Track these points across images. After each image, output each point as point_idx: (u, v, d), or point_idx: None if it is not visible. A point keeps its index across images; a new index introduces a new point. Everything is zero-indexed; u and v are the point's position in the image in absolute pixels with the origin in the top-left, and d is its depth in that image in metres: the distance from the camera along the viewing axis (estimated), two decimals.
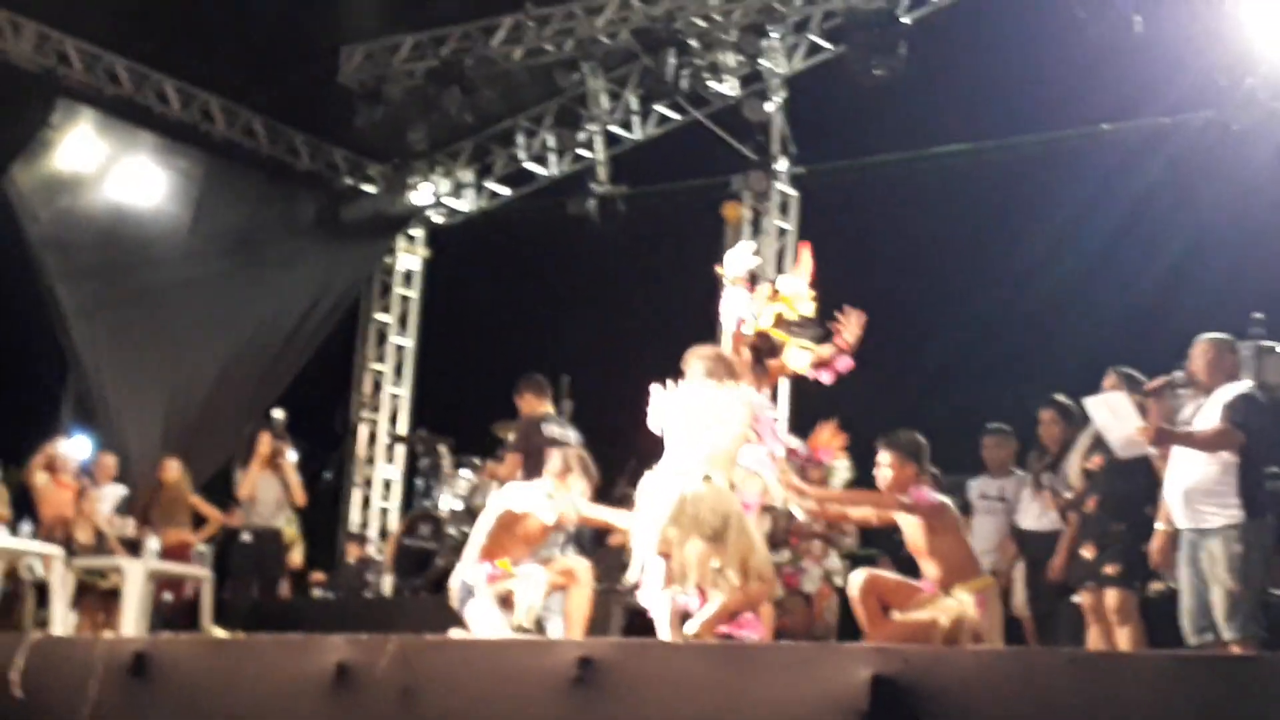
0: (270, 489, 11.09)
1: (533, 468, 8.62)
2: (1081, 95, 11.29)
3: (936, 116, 11.95)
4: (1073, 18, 10.49)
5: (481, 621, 6.98)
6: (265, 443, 11.07)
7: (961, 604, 6.70)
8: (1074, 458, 8.03)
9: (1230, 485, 6.93)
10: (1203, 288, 10.76)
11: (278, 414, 11.35)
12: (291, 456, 11.17)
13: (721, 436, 6.54)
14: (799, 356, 7.32)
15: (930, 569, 6.93)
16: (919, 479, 7.13)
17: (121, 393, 12.88)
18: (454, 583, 7.32)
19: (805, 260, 7.51)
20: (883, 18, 11.42)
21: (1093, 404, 7.45)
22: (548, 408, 9.38)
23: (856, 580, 7.00)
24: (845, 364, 7.44)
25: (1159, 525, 7.39)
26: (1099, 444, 7.84)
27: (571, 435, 9.16)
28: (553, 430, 9.14)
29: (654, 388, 6.74)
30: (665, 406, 6.68)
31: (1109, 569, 7.58)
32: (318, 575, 12.76)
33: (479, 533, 7.32)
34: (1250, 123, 10.69)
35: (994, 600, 7.09)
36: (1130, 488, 7.64)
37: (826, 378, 7.47)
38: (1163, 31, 10.38)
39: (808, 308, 7.33)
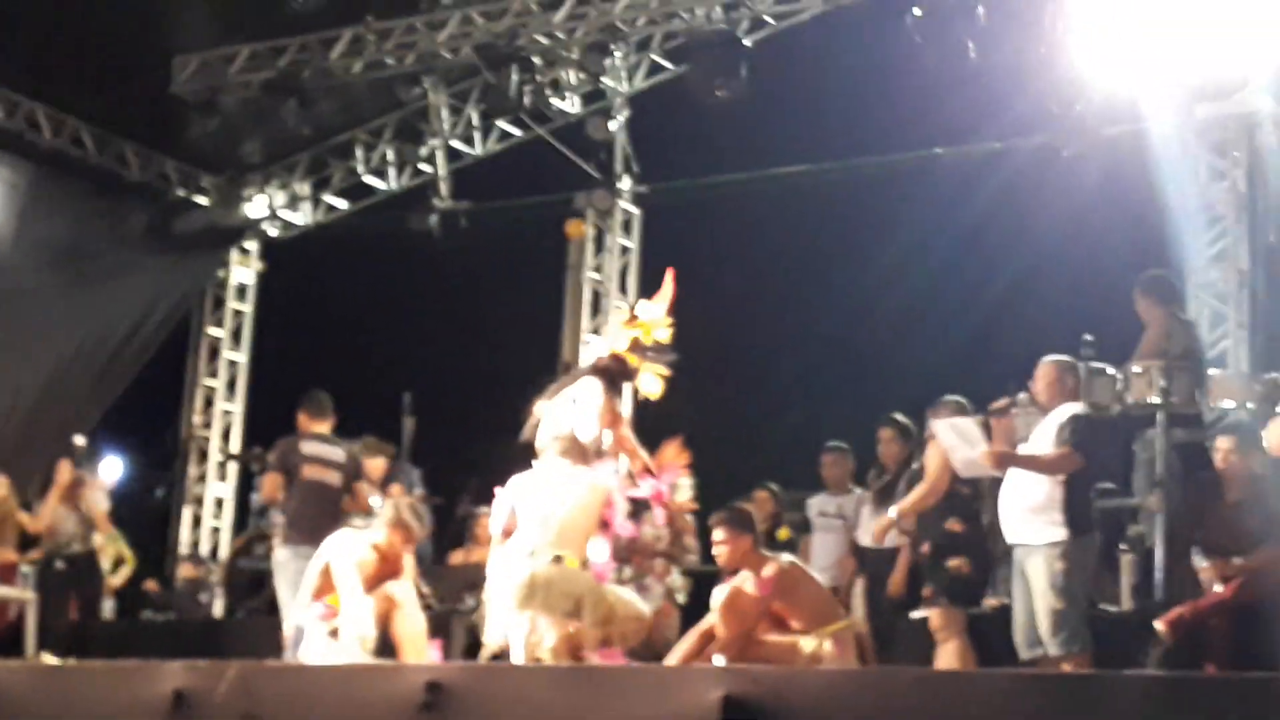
0: (68, 520, 10.73)
1: (290, 485, 8.62)
2: (919, 119, 11.52)
3: (778, 137, 12.09)
4: (910, 43, 10.68)
5: (320, 658, 6.90)
6: (65, 471, 10.72)
7: (820, 645, 6.85)
8: (911, 498, 8.13)
9: (1055, 503, 7.12)
10: (1036, 309, 11.05)
11: (79, 440, 11.00)
12: (104, 481, 10.84)
13: (574, 515, 6.67)
14: (652, 382, 7.37)
15: (794, 625, 7.08)
16: (754, 547, 7.29)
17: None
18: (287, 629, 7.25)
19: (667, 286, 7.53)
20: (724, 39, 11.52)
21: (941, 427, 7.59)
22: (321, 427, 9.11)
23: (721, 594, 7.08)
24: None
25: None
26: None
27: (335, 452, 8.94)
28: (311, 448, 8.90)
29: (498, 489, 6.91)
30: (514, 490, 6.83)
31: (925, 591, 7.75)
32: (151, 584, 12.39)
33: (310, 575, 7.26)
34: (1080, 148, 10.99)
35: (850, 642, 7.20)
36: (932, 510, 7.84)
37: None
38: (997, 58, 10.61)
39: (664, 334, 7.37)
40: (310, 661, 6.94)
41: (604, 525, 7.03)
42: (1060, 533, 7.08)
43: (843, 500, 9.56)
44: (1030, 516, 7.17)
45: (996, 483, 7.58)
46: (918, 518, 8.07)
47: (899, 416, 8.81)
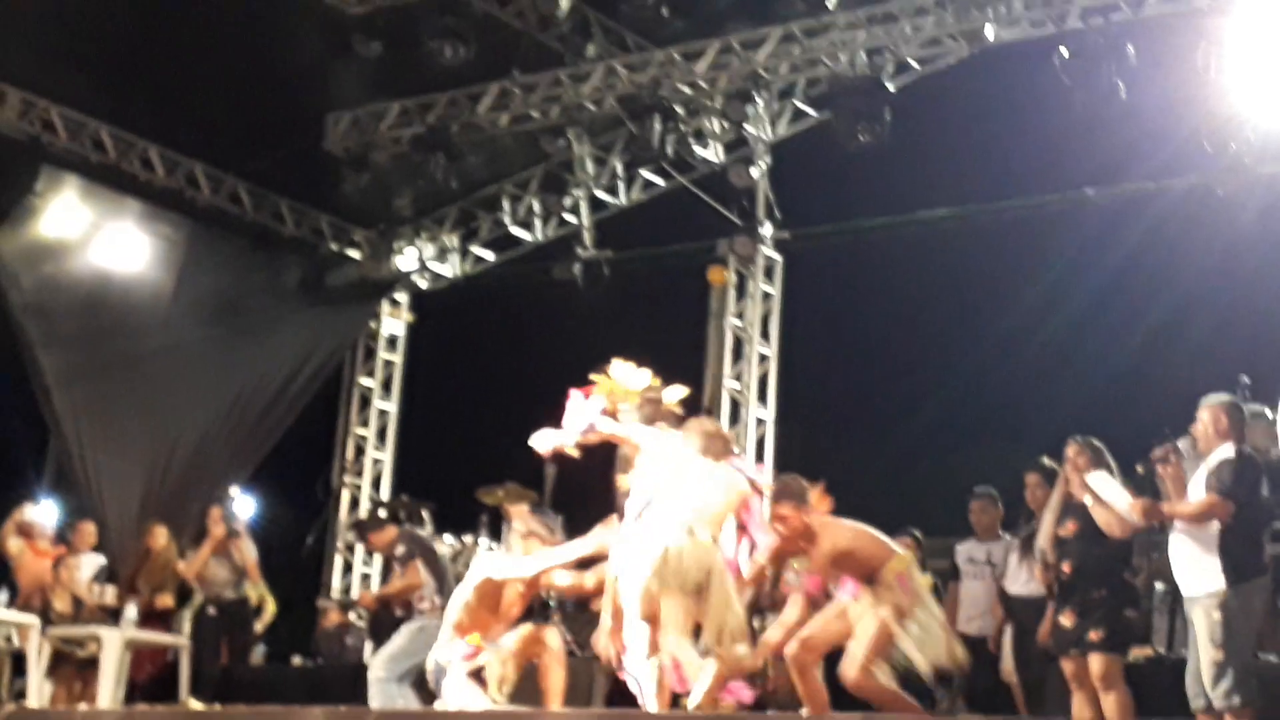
0: (221, 568, 10.98)
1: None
2: (1066, 160, 11.34)
3: (921, 181, 11.98)
4: (1058, 84, 10.53)
5: (458, 699, 6.92)
6: (217, 520, 10.97)
7: (891, 589, 6.75)
8: (1044, 525, 7.96)
9: (1213, 551, 6.89)
10: (1186, 351, 10.76)
11: (234, 491, 11.26)
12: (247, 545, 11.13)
13: (713, 497, 6.51)
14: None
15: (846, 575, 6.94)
16: (803, 507, 7.11)
17: (101, 459, 12.76)
18: (429, 664, 7.29)
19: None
20: (868, 85, 11.46)
21: (1096, 478, 7.38)
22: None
23: (789, 652, 6.95)
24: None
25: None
26: (1070, 510, 7.79)
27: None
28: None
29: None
30: (661, 451, 6.65)
31: (1093, 635, 7.50)
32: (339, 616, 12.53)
33: (453, 608, 7.30)
34: (1235, 188, 10.72)
35: (913, 573, 7.15)
36: (1104, 552, 7.59)
37: None
38: (1147, 97, 10.42)
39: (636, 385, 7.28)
40: (450, 699, 6.96)
41: (740, 528, 6.92)
42: (1218, 581, 6.85)
43: (991, 547, 9.37)
44: (1190, 566, 6.97)
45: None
46: (1058, 541, 7.85)
47: (1047, 461, 8.59)
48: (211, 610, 10.94)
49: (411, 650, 8.75)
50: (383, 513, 11.91)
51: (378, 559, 14.40)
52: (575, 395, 7.03)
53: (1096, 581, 7.54)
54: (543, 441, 7.01)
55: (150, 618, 10.85)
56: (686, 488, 6.55)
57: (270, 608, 11.32)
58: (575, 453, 6.99)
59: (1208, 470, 6.98)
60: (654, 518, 6.50)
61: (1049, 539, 7.79)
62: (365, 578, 14.43)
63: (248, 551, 11.11)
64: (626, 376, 7.20)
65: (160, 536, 11.31)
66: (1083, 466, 7.68)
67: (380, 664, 8.81)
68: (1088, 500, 7.40)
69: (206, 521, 11.08)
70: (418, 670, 8.49)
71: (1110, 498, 7.22)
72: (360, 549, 14.46)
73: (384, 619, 10.19)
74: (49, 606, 10.68)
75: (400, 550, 9.28)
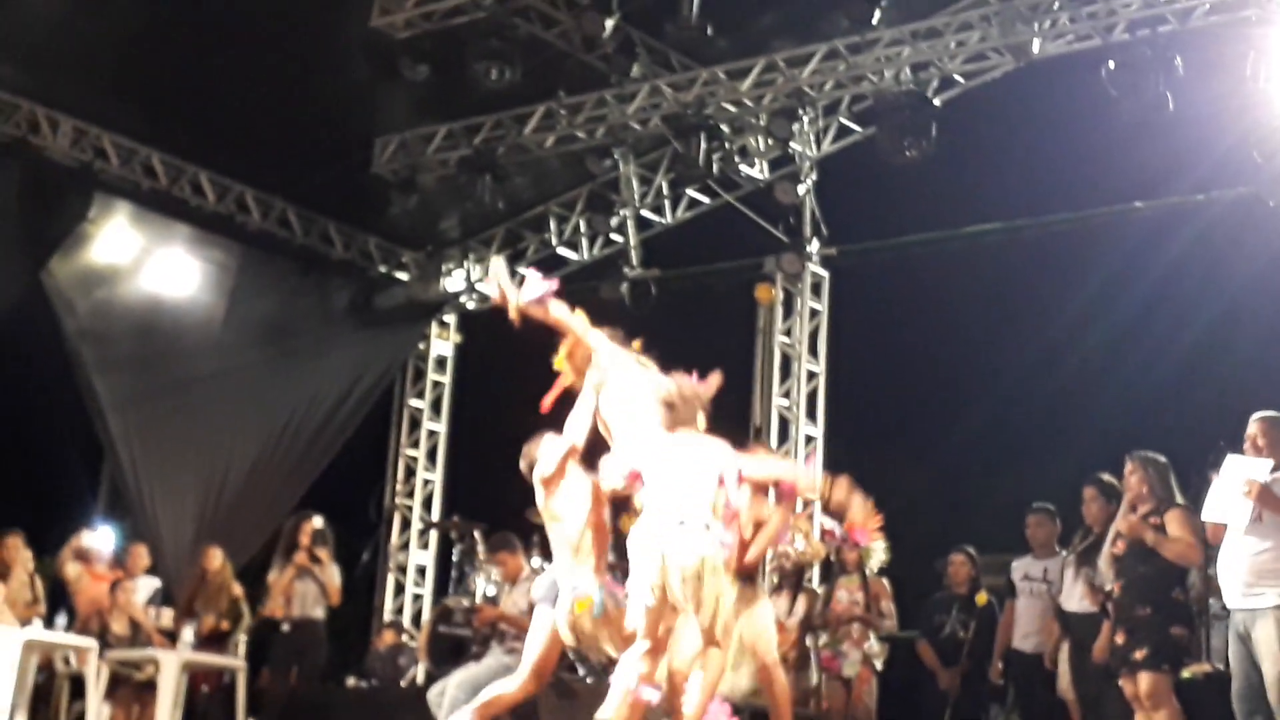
0: (306, 588, 11.06)
1: None
2: (1114, 173, 11.28)
3: (967, 196, 11.95)
4: (1105, 96, 10.49)
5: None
6: (301, 553, 11.03)
7: None
8: (1105, 548, 7.93)
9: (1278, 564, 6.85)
10: (1234, 362, 10.70)
11: (317, 522, 11.31)
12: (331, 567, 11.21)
13: (707, 485, 6.07)
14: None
15: None
16: None
17: (156, 483, 12.87)
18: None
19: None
20: (913, 99, 11.44)
21: (1232, 460, 7.24)
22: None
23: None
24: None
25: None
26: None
27: None
28: None
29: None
30: (647, 454, 6.22)
31: (1138, 654, 7.47)
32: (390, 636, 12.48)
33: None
34: None
35: None
36: (1153, 571, 7.55)
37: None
38: (1195, 108, 10.37)
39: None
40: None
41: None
42: None
43: (1048, 563, 9.34)
44: (1258, 579, 6.93)
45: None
46: (1113, 560, 7.79)
47: (1105, 475, 8.55)
48: (286, 627, 11.00)
49: (490, 684, 8.83)
50: (453, 534, 11.95)
51: (429, 580, 14.50)
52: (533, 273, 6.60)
53: (1142, 599, 7.52)
54: (492, 286, 6.46)
55: (208, 640, 10.93)
56: (687, 477, 6.05)
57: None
58: (514, 315, 6.47)
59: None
60: (665, 513, 5.99)
61: (1108, 559, 7.77)
62: (417, 598, 14.49)
63: (332, 573, 11.18)
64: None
65: (215, 558, 11.39)
66: (1136, 485, 7.66)
67: (457, 686, 8.89)
68: (1148, 538, 7.37)
69: (298, 536, 11.14)
70: None
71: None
72: (412, 570, 14.55)
73: (440, 642, 10.25)
74: (107, 630, 10.79)
75: (526, 585, 9.38)
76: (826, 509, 7.96)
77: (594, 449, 6.63)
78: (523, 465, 6.70)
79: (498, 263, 6.48)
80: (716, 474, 6.06)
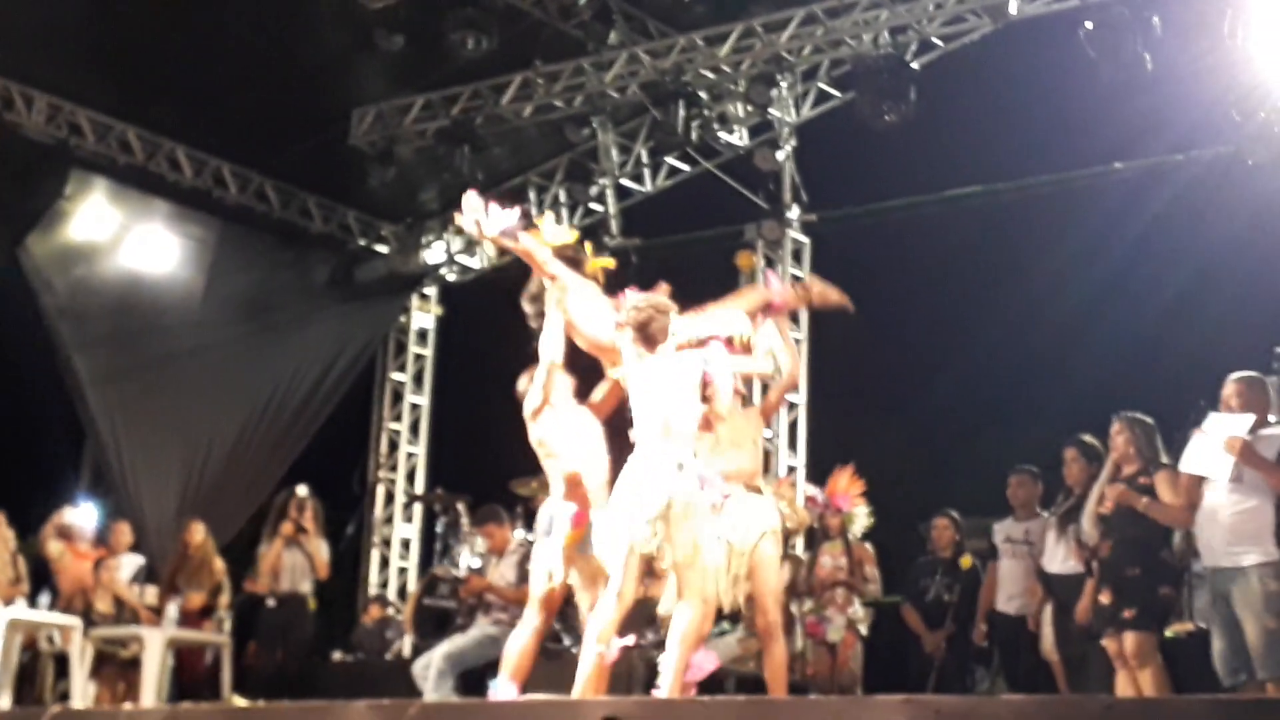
0: (295, 557, 11.07)
1: None
2: (1094, 134, 11.27)
3: (948, 160, 11.93)
4: (1083, 57, 10.46)
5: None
6: (288, 524, 11.06)
7: None
8: (1089, 506, 7.95)
9: (1267, 524, 6.89)
10: (1212, 320, 10.72)
11: (301, 490, 11.33)
12: (319, 541, 11.21)
13: (683, 410, 5.98)
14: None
15: None
16: None
17: (138, 460, 12.84)
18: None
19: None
20: (892, 63, 11.39)
21: (1214, 418, 7.27)
22: None
23: None
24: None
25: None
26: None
27: None
28: None
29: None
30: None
31: (1126, 613, 7.50)
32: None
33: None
34: (1265, 156, 10.64)
35: None
36: (1142, 531, 7.58)
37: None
38: (1173, 68, 10.34)
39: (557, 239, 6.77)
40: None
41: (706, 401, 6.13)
42: (1273, 552, 6.86)
43: (1030, 525, 9.35)
44: (1238, 538, 6.96)
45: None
46: (1099, 519, 7.80)
47: (1086, 436, 8.56)
48: (271, 602, 11.01)
49: (476, 655, 8.86)
50: (437, 507, 11.96)
51: (414, 553, 14.49)
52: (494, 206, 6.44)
53: (1131, 560, 7.54)
54: (467, 220, 6.40)
55: (193, 614, 10.92)
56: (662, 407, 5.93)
57: (310, 604, 11.39)
58: (490, 245, 6.38)
59: (1271, 447, 6.98)
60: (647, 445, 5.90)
61: (1092, 518, 7.78)
62: (402, 571, 14.49)
63: (319, 545, 11.18)
64: (550, 230, 6.63)
65: (197, 532, 11.38)
66: (1123, 445, 7.66)
67: (442, 658, 8.90)
68: (1139, 506, 7.37)
69: (288, 509, 11.15)
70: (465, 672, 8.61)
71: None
72: (396, 543, 14.54)
73: (426, 614, 10.26)
74: (90, 608, 10.78)
75: (514, 558, 9.40)
76: (811, 305, 7.61)
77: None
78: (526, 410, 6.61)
79: (471, 197, 6.38)
80: (691, 389, 5.98)
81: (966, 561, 9.77)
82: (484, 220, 6.26)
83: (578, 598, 6.56)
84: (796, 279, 12.97)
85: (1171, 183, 11.23)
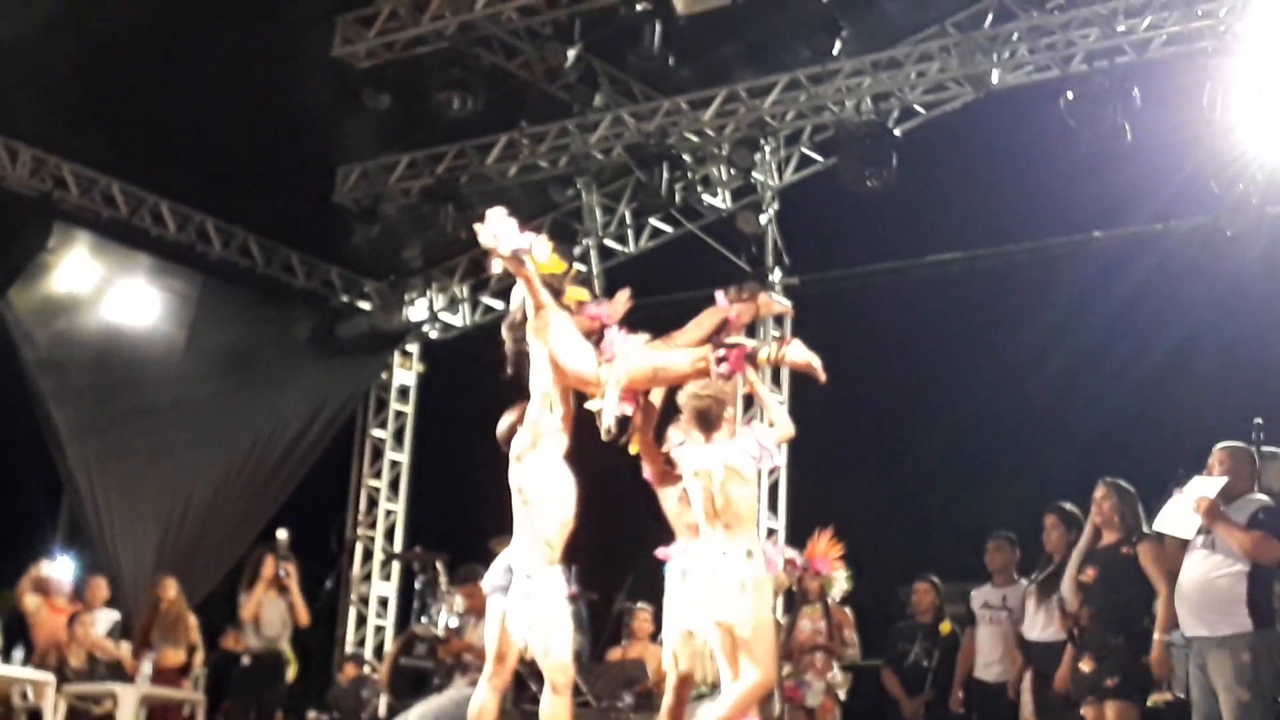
0: (275, 610, 11.01)
1: None
2: (1074, 202, 11.37)
3: (929, 225, 12.02)
4: (1064, 127, 10.57)
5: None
6: (269, 564, 11.01)
7: None
8: (1069, 571, 7.97)
9: (1239, 595, 6.90)
10: (1193, 389, 10.78)
11: (281, 534, 11.31)
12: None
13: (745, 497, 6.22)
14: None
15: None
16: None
17: (115, 514, 12.78)
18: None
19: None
20: (874, 130, 11.50)
21: (1195, 481, 7.29)
22: None
23: None
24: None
25: (1157, 636, 7.36)
26: (1091, 556, 7.80)
27: None
28: None
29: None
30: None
31: (1109, 681, 7.49)
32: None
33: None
34: (1244, 227, 10.75)
35: None
36: (1125, 599, 7.58)
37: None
38: (1153, 138, 10.46)
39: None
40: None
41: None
42: (1245, 623, 6.86)
43: (1007, 591, 9.35)
44: (1213, 608, 6.96)
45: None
46: (1079, 587, 7.81)
47: (1066, 504, 8.59)
48: (245, 660, 10.94)
49: (453, 716, 8.77)
50: (415, 565, 11.89)
51: (392, 611, 14.41)
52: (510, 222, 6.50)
53: (1115, 628, 7.54)
54: (486, 231, 6.30)
55: (165, 672, 10.83)
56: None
57: (292, 665, 11.32)
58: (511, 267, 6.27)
59: (1242, 515, 7.00)
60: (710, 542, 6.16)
61: (1072, 585, 7.79)
62: (379, 629, 14.41)
63: (298, 593, 11.12)
64: (543, 252, 6.27)
65: (170, 589, 11.34)
66: (1108, 511, 7.69)
67: (419, 717, 8.83)
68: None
69: (260, 567, 11.10)
70: None
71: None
72: (374, 601, 14.46)
73: (403, 674, 10.20)
74: (64, 663, 10.69)
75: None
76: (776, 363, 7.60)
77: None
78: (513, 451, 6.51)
79: (497, 212, 6.24)
80: (753, 474, 6.22)
81: (946, 628, 9.76)
82: (501, 236, 6.17)
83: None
84: (778, 339, 13.04)
85: (1151, 252, 11.33)
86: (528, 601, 6.03)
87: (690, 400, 6.31)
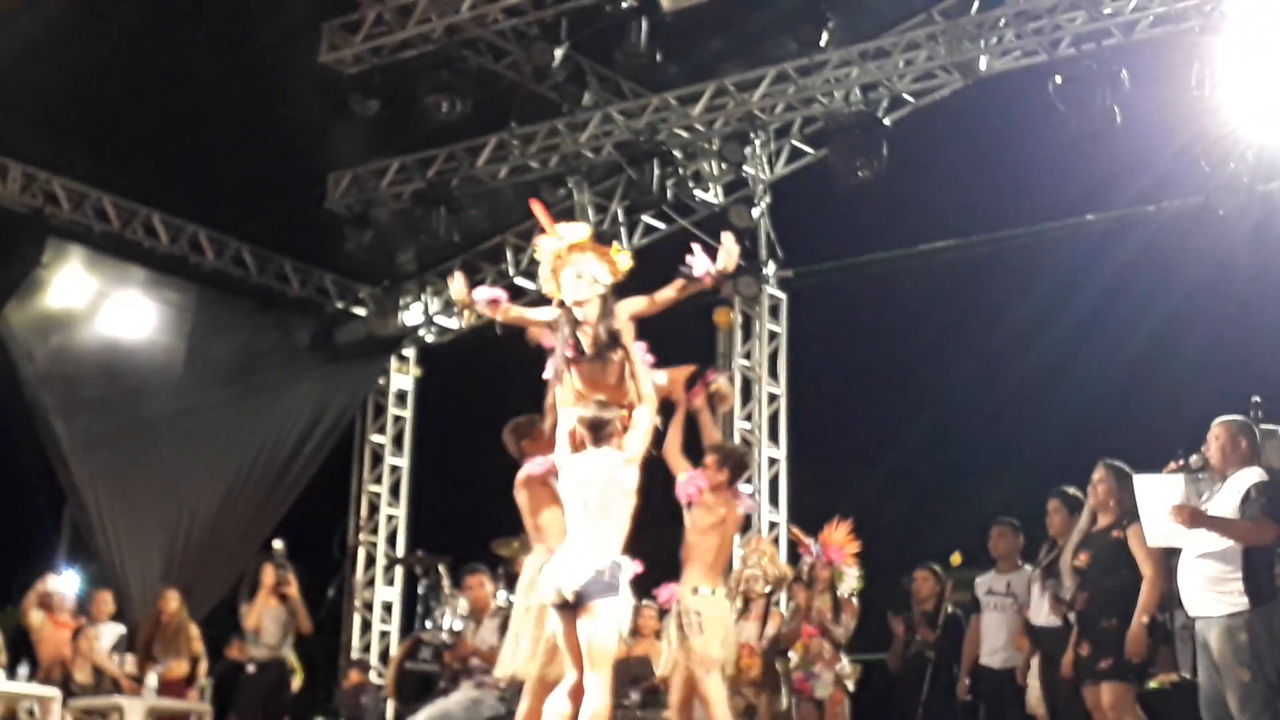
0: (276, 618, 11.00)
1: None
2: (1065, 186, 11.39)
3: (921, 214, 12.03)
4: (1053, 111, 10.57)
5: None
6: (269, 573, 11.00)
7: None
8: (1065, 556, 7.96)
9: (1236, 573, 6.86)
10: (1185, 368, 10.80)
11: (277, 544, 11.29)
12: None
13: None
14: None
15: None
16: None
17: (120, 527, 12.78)
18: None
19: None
20: (864, 120, 11.51)
21: (1142, 483, 7.27)
22: None
23: None
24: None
25: (1140, 617, 7.38)
26: (1085, 541, 7.79)
27: None
28: None
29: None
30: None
31: (1102, 664, 7.50)
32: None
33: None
34: (1234, 206, 10.75)
35: None
36: (1117, 583, 7.57)
37: None
38: (1142, 119, 10.46)
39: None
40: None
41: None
42: (1242, 602, 6.83)
43: (1011, 578, 9.33)
44: (1211, 587, 6.93)
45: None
46: (1075, 572, 7.81)
47: (1069, 488, 8.58)
48: (251, 669, 10.93)
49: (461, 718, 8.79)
50: (418, 569, 11.90)
51: (396, 616, 14.41)
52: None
53: (1109, 612, 7.54)
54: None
55: (170, 684, 10.83)
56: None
57: (297, 673, 11.31)
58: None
59: (1236, 492, 6.95)
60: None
61: (1069, 569, 7.79)
62: (384, 635, 14.40)
63: (299, 601, 11.12)
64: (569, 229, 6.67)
65: (172, 601, 11.34)
66: (1103, 494, 7.68)
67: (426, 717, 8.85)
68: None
69: (259, 577, 11.09)
70: None
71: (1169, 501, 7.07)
72: (378, 606, 14.46)
73: (408, 678, 10.19)
74: (69, 678, 10.69)
75: (495, 621, 9.37)
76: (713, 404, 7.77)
77: None
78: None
79: (457, 279, 6.56)
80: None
81: (957, 559, 9.74)
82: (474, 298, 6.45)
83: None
84: (773, 334, 13.06)
85: (1142, 232, 11.35)
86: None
87: (585, 416, 6.32)
